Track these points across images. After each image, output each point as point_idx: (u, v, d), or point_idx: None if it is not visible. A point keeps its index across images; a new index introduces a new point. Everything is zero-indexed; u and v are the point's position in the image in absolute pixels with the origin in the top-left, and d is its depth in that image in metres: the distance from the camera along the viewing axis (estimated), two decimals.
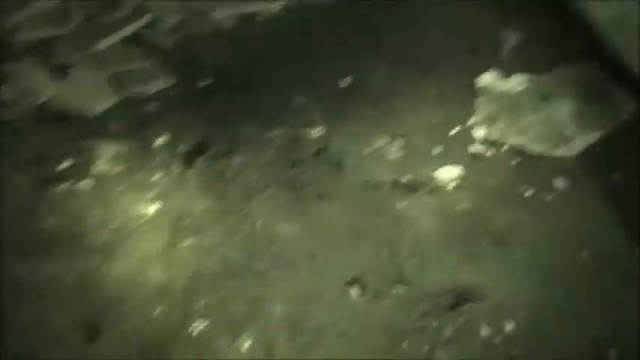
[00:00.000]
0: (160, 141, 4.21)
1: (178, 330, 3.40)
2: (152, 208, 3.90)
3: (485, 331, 3.29)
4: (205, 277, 3.59)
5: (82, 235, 3.81)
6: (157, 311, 3.46)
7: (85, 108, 4.44)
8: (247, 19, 5.05)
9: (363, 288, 3.47)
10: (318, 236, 3.71)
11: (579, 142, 4.01)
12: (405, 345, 3.28)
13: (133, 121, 4.38)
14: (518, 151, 4.03)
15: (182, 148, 4.19)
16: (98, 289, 3.58)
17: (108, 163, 4.12)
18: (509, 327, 3.30)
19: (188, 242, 3.72)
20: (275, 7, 5.09)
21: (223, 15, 5.05)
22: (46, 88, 4.56)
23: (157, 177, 4.04)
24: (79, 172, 4.12)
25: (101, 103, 4.49)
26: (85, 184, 4.02)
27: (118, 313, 3.48)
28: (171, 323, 3.42)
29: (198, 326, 3.40)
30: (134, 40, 4.95)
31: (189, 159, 4.11)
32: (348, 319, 3.38)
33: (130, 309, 3.49)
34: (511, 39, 4.64)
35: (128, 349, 3.35)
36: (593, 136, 4.03)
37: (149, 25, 5.05)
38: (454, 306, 3.38)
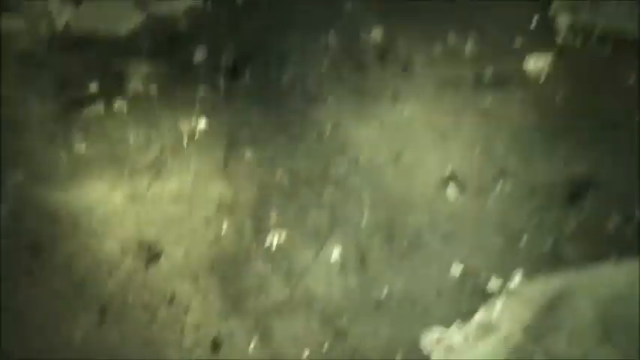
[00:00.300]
0: (197, 56, 3.72)
1: (253, 245, 3.01)
2: (201, 124, 3.44)
3: (613, 221, 2.81)
4: (274, 188, 3.17)
5: (124, 156, 3.38)
6: (225, 227, 3.00)
7: (107, 30, 3.95)
8: None
9: (462, 186, 3.04)
10: (398, 138, 3.31)
11: None
12: (523, 242, 2.83)
13: (163, 40, 3.93)
14: (609, 38, 3.59)
15: (224, 61, 3.69)
16: (151, 211, 3.12)
17: (142, 83, 3.64)
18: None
19: (248, 155, 3.29)
20: None
21: None
22: (61, 15, 4.07)
23: (200, 92, 3.54)
24: (110, 94, 3.65)
25: (125, 23, 4.05)
26: (119, 105, 3.53)
27: (178, 233, 3.04)
28: (244, 238, 3.01)
29: (275, 239, 2.93)
30: None
31: (235, 71, 3.67)
32: (450, 220, 3.00)
33: (191, 227, 3.06)
34: None
35: (193, 269, 2.89)
36: None
37: None
38: (572, 197, 2.93)
